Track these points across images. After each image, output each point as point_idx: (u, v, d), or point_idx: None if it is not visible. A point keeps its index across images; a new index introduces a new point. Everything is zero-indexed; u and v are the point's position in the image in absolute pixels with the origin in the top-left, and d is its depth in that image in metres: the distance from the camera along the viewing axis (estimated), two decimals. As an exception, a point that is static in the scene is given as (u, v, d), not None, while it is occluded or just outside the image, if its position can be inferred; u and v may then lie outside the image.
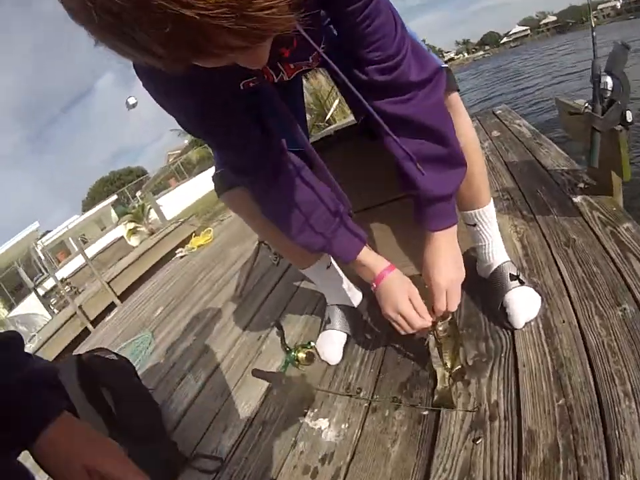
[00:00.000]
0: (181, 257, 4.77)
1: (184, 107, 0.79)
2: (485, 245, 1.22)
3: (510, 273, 1.18)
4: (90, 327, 4.50)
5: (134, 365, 1.92)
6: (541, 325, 1.08)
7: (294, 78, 0.92)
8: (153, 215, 11.16)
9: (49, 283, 10.04)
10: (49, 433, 0.52)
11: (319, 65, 0.94)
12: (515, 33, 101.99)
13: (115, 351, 1.59)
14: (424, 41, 1.04)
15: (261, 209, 1.01)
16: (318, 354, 1.38)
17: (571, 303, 1.11)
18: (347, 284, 1.43)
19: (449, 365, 1.04)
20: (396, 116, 0.84)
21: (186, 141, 23.40)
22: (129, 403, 1.34)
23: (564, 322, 1.06)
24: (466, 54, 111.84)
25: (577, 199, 1.57)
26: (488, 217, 1.18)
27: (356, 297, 1.46)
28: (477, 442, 0.87)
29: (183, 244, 5.36)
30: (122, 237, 10.72)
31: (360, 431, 1.06)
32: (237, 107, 0.84)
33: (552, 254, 1.34)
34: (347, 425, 1.10)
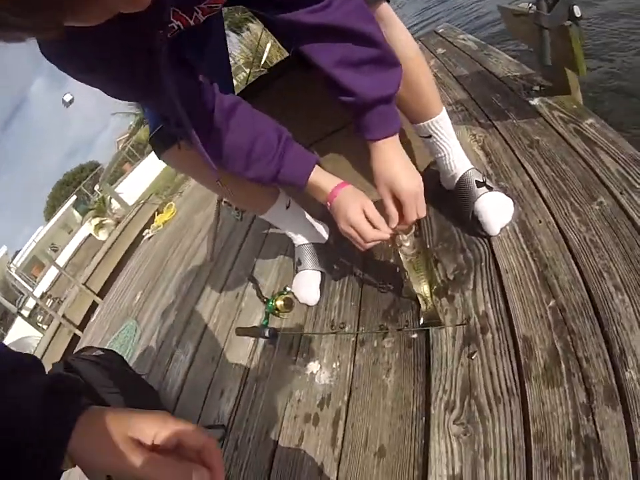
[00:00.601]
0: (149, 237, 4.64)
1: (111, 77, 0.74)
2: (444, 156, 1.17)
3: (476, 180, 1.14)
4: (78, 332, 4.41)
5: (125, 355, 1.90)
6: (517, 229, 1.06)
7: (212, 19, 0.84)
8: (115, 204, 10.81)
9: (32, 302, 9.82)
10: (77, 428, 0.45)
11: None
12: None
13: (105, 347, 1.55)
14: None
15: (207, 154, 0.93)
16: (296, 298, 1.34)
17: (545, 202, 1.08)
18: (310, 220, 1.39)
19: (427, 282, 1.01)
20: (317, 25, 0.81)
21: (131, 122, 22.42)
22: (126, 394, 1.31)
23: (540, 222, 1.04)
24: None
25: (535, 102, 1.52)
26: (442, 125, 1.13)
27: (323, 233, 1.42)
28: (473, 357, 0.86)
29: (148, 225, 5.19)
30: (90, 234, 10.42)
31: (352, 367, 1.05)
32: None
33: (517, 157, 1.30)
34: (337, 364, 1.08)
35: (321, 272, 1.35)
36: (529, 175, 1.20)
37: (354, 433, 0.91)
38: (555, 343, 0.78)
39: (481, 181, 1.14)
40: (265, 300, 1.43)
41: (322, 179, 0.97)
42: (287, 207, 1.30)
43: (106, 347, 1.58)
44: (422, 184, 0.95)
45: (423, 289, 1.01)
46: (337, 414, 0.97)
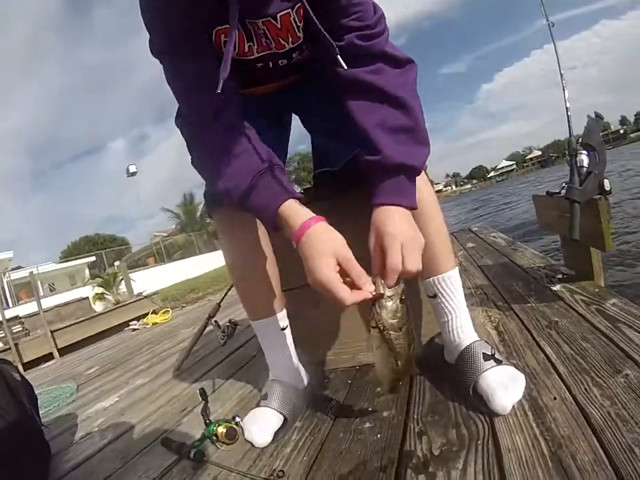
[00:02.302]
0: (133, 329, 4.71)
1: (166, 18, 0.80)
2: (448, 321, 1.04)
3: (483, 352, 0.98)
4: (20, 367, 4.29)
5: (47, 409, 1.95)
6: (526, 406, 0.88)
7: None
8: (123, 287, 11.18)
9: (6, 313, 9.48)
10: None
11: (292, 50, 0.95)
12: (502, 168, 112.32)
13: (37, 392, 1.52)
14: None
15: (193, 152, 0.92)
16: (243, 431, 1.11)
17: (561, 379, 0.94)
18: (295, 360, 1.21)
19: (398, 361, 0.80)
20: (366, 83, 0.85)
21: (173, 226, 23.91)
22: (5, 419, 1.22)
23: (555, 399, 0.87)
24: (454, 186, 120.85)
25: (556, 287, 1.49)
26: (449, 285, 1.02)
27: (303, 379, 1.22)
28: None
29: (139, 318, 5.29)
30: (87, 297, 10.59)
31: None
32: (210, 51, 0.86)
33: (533, 337, 1.20)
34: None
35: (284, 417, 1.10)
36: (544, 353, 1.08)
37: None
38: None
39: (489, 353, 0.98)
40: (207, 421, 1.19)
41: (293, 211, 0.80)
42: (283, 329, 1.17)
43: (38, 392, 1.53)
44: (420, 241, 0.80)
45: (389, 375, 0.81)
46: None
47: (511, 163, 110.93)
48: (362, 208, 0.88)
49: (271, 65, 0.97)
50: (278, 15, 0.85)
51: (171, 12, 0.78)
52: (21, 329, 6.86)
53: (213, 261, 15.66)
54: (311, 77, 1.09)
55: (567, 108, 1.45)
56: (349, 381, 1.23)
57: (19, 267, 17.64)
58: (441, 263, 1.00)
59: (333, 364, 1.34)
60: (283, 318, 1.16)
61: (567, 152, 1.38)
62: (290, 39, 0.91)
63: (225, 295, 2.33)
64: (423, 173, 0.97)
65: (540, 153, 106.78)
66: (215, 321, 2.27)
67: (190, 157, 0.92)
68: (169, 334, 3.52)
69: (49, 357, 4.71)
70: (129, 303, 6.27)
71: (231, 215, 1.02)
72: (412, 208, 0.84)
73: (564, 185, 1.39)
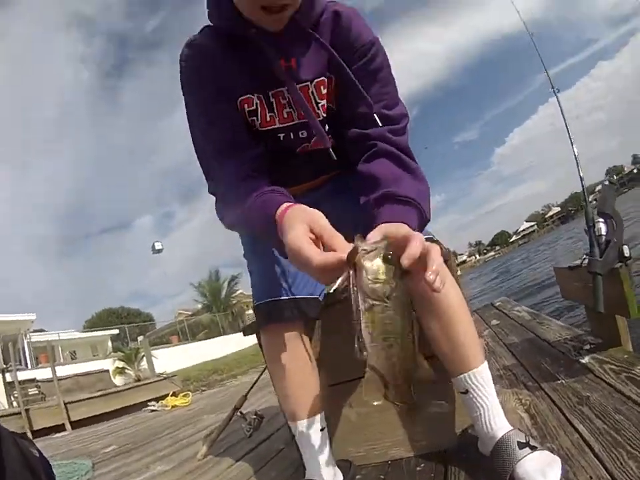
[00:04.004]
0: (152, 410, 4.64)
1: (204, 95, 0.91)
2: (480, 415, 1.03)
3: (518, 441, 0.96)
4: (29, 433, 4.23)
5: None
6: None
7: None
8: (144, 364, 11.00)
9: (23, 375, 9.34)
10: None
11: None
12: (523, 230, 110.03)
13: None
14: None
15: (227, 211, 0.94)
16: None
17: (596, 457, 0.91)
18: (331, 459, 1.19)
19: (395, 357, 0.58)
20: (394, 146, 0.89)
21: (199, 305, 24.10)
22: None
23: (591, 478, 0.85)
24: (478, 255, 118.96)
25: (585, 360, 1.46)
26: (480, 381, 1.02)
27: (339, 478, 1.19)
28: None
29: (158, 399, 5.22)
30: (107, 370, 10.54)
31: None
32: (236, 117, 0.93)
33: (565, 416, 1.17)
34: None
35: None
36: (578, 432, 1.04)
37: None
38: None
39: (524, 441, 0.96)
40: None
41: (281, 210, 0.75)
42: (322, 430, 1.16)
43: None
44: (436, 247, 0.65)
45: (384, 364, 0.58)
46: None
47: (531, 224, 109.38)
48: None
49: (292, 137, 0.99)
50: (315, 81, 0.92)
51: (202, 78, 0.90)
52: (37, 392, 6.86)
53: (237, 342, 15.52)
54: (341, 182, 1.11)
55: (580, 177, 1.53)
56: (382, 477, 1.19)
57: (41, 330, 17.86)
58: (471, 360, 1.01)
59: (365, 460, 1.31)
60: (321, 419, 1.16)
61: (585, 222, 1.41)
62: (323, 106, 0.96)
63: (252, 387, 2.31)
64: (450, 272, 1.01)
65: (559, 209, 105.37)
66: (241, 412, 2.23)
67: (224, 221, 0.95)
68: (191, 419, 3.46)
69: (60, 427, 4.65)
70: (149, 383, 6.19)
71: (278, 330, 1.06)
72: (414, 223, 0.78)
73: (584, 256, 1.41)
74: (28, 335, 13.23)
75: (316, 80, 0.92)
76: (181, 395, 4.98)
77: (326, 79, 0.93)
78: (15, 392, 7.06)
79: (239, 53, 0.90)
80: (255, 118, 0.94)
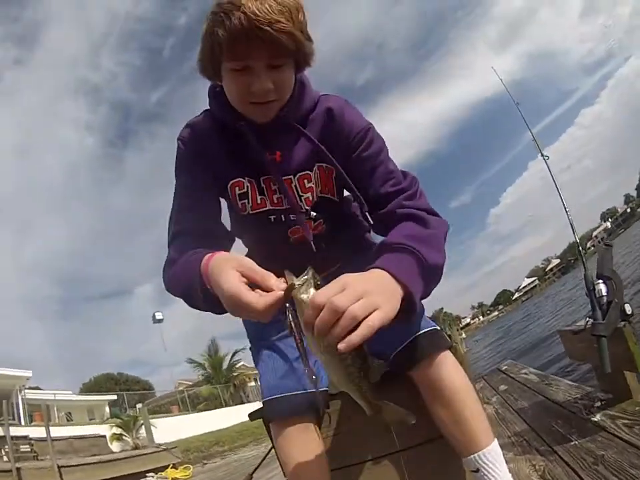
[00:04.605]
0: None
1: (190, 180, 0.96)
2: None
3: None
4: None
5: None
6: None
7: None
8: (143, 432, 10.71)
9: (16, 431, 8.85)
10: None
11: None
12: (525, 287, 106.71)
13: None
14: (442, 309, 1.08)
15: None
16: None
17: None
18: None
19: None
20: (410, 210, 0.90)
21: (199, 375, 23.48)
22: None
23: None
24: (481, 317, 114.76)
25: (597, 417, 1.44)
26: (490, 459, 1.01)
27: None
28: None
29: (157, 470, 4.97)
30: (104, 436, 10.09)
31: None
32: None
33: (580, 478, 1.15)
34: None
35: None
36: None
37: None
38: None
39: None
40: None
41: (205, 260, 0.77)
42: None
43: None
44: (381, 299, 0.65)
45: (342, 372, 0.65)
46: None
47: (532, 279, 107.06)
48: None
49: (283, 219, 0.98)
50: (298, 175, 0.94)
51: (195, 163, 0.96)
52: (29, 449, 6.49)
53: (239, 413, 14.96)
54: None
55: (575, 238, 1.58)
56: None
57: (37, 388, 17.32)
58: (480, 440, 1.00)
59: None
60: None
61: (585, 286, 1.45)
62: (310, 199, 0.97)
63: (258, 466, 2.23)
64: (452, 356, 1.02)
65: (558, 260, 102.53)
66: None
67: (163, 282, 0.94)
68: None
69: None
70: (147, 454, 5.89)
71: (289, 423, 1.04)
72: (404, 286, 0.72)
73: (587, 319, 1.42)
74: (23, 392, 12.89)
75: (299, 174, 0.94)
76: (182, 467, 4.81)
77: (312, 173, 0.95)
78: (6, 447, 6.77)
79: (232, 140, 0.94)
80: (245, 201, 0.96)
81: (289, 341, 1.00)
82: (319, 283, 0.63)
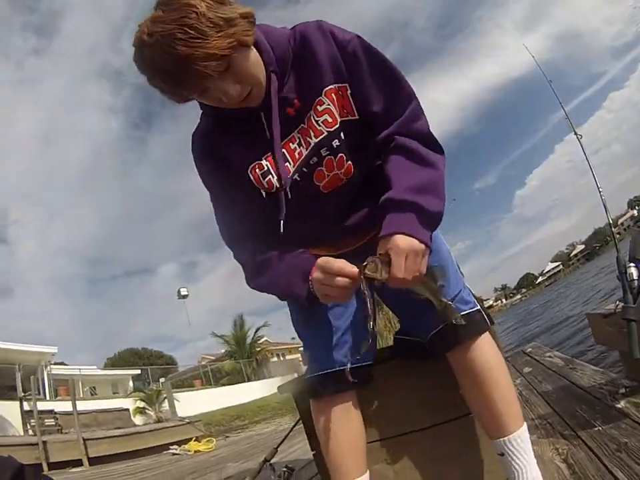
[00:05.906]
0: (173, 454, 4.56)
1: (219, 189, 0.99)
2: (517, 477, 1.00)
3: None
4: (45, 466, 4.18)
5: None
6: None
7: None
8: (166, 406, 11.00)
9: (41, 405, 9.25)
10: None
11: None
12: (548, 271, 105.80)
13: None
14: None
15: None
16: None
17: None
18: None
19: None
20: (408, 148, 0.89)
21: (222, 350, 23.89)
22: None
23: None
24: (504, 299, 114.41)
25: (621, 404, 1.43)
26: (516, 446, 1.00)
27: None
28: None
29: (180, 443, 5.12)
30: (127, 409, 10.39)
31: None
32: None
33: (603, 464, 1.13)
34: None
35: None
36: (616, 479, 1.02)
37: None
38: None
39: None
40: None
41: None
42: None
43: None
44: (424, 252, 0.83)
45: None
46: None
47: (556, 264, 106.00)
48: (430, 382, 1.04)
49: (305, 170, 0.94)
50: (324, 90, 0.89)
51: (211, 169, 0.97)
52: (54, 423, 6.79)
53: (261, 389, 15.28)
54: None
55: (609, 219, 1.53)
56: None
57: (62, 363, 17.96)
58: (509, 424, 0.99)
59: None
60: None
61: (616, 269, 1.40)
62: (329, 121, 0.92)
63: (284, 440, 2.26)
64: (489, 336, 1.01)
65: (583, 246, 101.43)
66: (270, 464, 2.14)
67: (251, 285, 1.01)
68: (215, 466, 3.38)
69: (76, 462, 4.60)
70: (171, 427, 6.08)
71: (331, 401, 1.05)
72: (420, 239, 0.82)
73: (618, 302, 1.39)
74: (48, 367, 13.41)
75: (315, 102, 0.90)
76: (204, 440, 4.91)
77: (322, 97, 0.90)
78: (32, 421, 7.07)
79: (237, 127, 0.93)
80: (270, 177, 0.93)
81: (337, 312, 1.03)
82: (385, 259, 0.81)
